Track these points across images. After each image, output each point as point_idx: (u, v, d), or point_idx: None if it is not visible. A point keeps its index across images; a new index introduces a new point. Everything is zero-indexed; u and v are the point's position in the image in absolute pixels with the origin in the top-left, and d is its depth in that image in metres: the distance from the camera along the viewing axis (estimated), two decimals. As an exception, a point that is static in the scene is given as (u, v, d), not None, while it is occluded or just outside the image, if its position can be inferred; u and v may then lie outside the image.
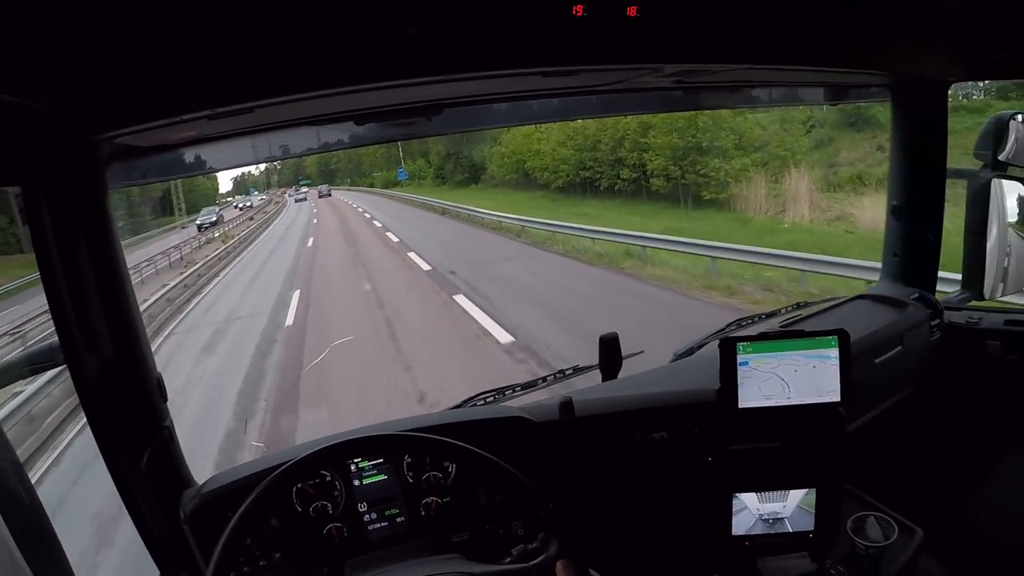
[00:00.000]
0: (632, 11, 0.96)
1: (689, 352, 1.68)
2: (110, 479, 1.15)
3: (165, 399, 1.20)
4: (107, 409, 1.10)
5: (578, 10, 0.92)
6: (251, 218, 30.18)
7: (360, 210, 27.08)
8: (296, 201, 40.40)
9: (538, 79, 1.14)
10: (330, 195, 41.02)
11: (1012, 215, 1.81)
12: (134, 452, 1.13)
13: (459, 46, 0.93)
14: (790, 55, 1.25)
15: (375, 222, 21.23)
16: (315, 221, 24.67)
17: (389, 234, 16.82)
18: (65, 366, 1.08)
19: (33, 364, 1.11)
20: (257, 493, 0.92)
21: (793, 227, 12.93)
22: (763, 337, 1.27)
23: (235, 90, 0.90)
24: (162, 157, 1.20)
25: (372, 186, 42.36)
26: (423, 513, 1.25)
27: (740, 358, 1.25)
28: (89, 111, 0.91)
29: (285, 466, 0.94)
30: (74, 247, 1.03)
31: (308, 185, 45.51)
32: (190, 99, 0.90)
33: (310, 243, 17.84)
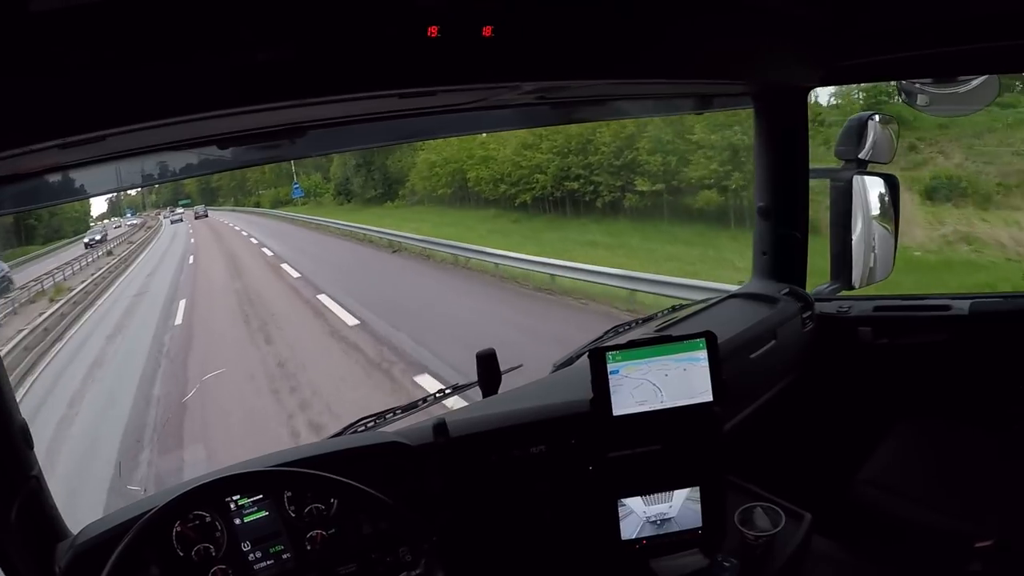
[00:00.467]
0: (487, 31, 0.97)
1: (568, 362, 1.70)
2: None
3: (31, 447, 1.14)
4: None
5: (432, 31, 0.93)
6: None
7: (246, 235, 23.13)
8: (172, 223, 38.29)
9: (395, 100, 1.14)
10: (207, 216, 39.13)
11: (875, 208, 1.92)
12: (2, 505, 1.06)
13: (313, 70, 0.91)
14: (649, 68, 1.28)
15: (265, 249, 17.92)
16: (191, 259, 18.04)
17: (285, 266, 14.03)
18: None
19: None
20: (128, 540, 0.89)
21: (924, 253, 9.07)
22: (631, 345, 1.31)
23: (83, 118, 0.85)
24: (16, 187, 1.13)
25: (259, 205, 38.97)
26: (308, 547, 1.23)
27: (610, 367, 1.29)
28: None
29: (154, 509, 0.91)
30: None
31: (187, 206, 42.87)
32: (36, 128, 0.85)
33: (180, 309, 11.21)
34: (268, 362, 7.10)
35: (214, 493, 1.06)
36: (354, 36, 0.91)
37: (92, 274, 16.72)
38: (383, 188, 24.12)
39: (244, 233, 23.96)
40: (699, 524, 1.35)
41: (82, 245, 24.19)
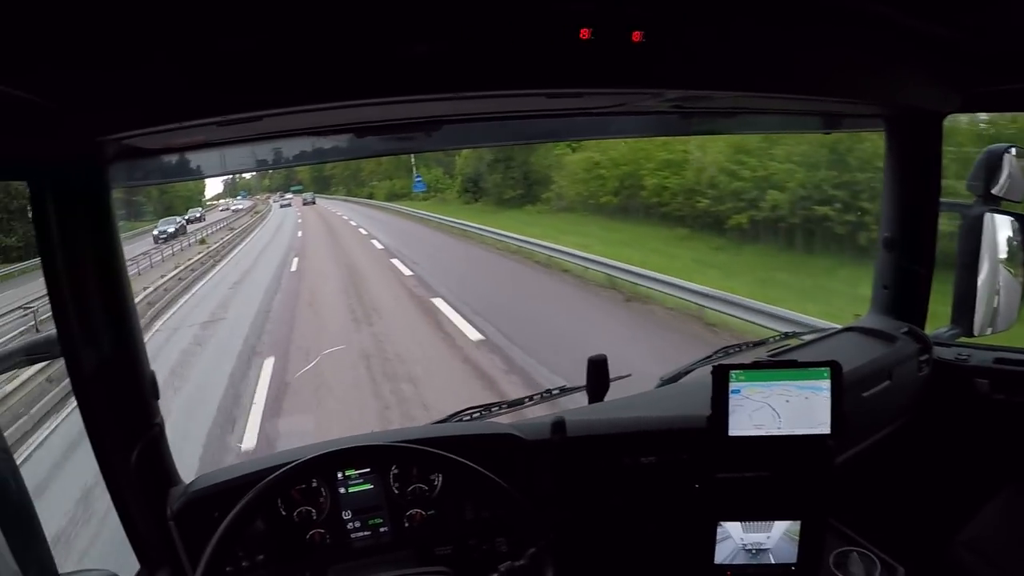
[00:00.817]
0: (637, 36, 0.97)
1: (676, 378, 1.66)
2: (95, 470, 1.15)
3: (157, 397, 1.20)
4: (100, 404, 1.10)
5: (584, 34, 0.93)
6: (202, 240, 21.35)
7: (363, 232, 20.49)
8: (281, 207, 39.84)
9: (542, 100, 1.15)
10: (314, 203, 40.15)
11: (1003, 251, 1.79)
12: (124, 448, 1.13)
13: (468, 65, 0.93)
14: (788, 83, 1.26)
15: (375, 242, 16.76)
16: (294, 264, 14.83)
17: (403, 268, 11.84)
18: (62, 358, 1.08)
19: (31, 354, 1.11)
20: (251, 496, 0.92)
21: None
22: (756, 366, 1.27)
23: (245, 98, 0.91)
24: (165, 159, 1.20)
25: (371, 197, 36.96)
26: (407, 524, 1.25)
27: (732, 386, 1.25)
28: (99, 112, 0.92)
29: (280, 472, 0.94)
30: (77, 243, 1.04)
31: (298, 191, 43.80)
32: (201, 105, 0.91)
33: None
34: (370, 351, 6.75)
35: (335, 462, 1.08)
36: (509, 34, 0.92)
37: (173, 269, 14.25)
38: (523, 189, 20.07)
39: (352, 223, 23.29)
40: (794, 560, 1.30)
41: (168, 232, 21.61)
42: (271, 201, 43.93)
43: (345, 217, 27.09)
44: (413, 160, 28.66)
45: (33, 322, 8.82)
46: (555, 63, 0.96)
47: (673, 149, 12.72)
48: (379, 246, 16.18)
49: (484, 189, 22.65)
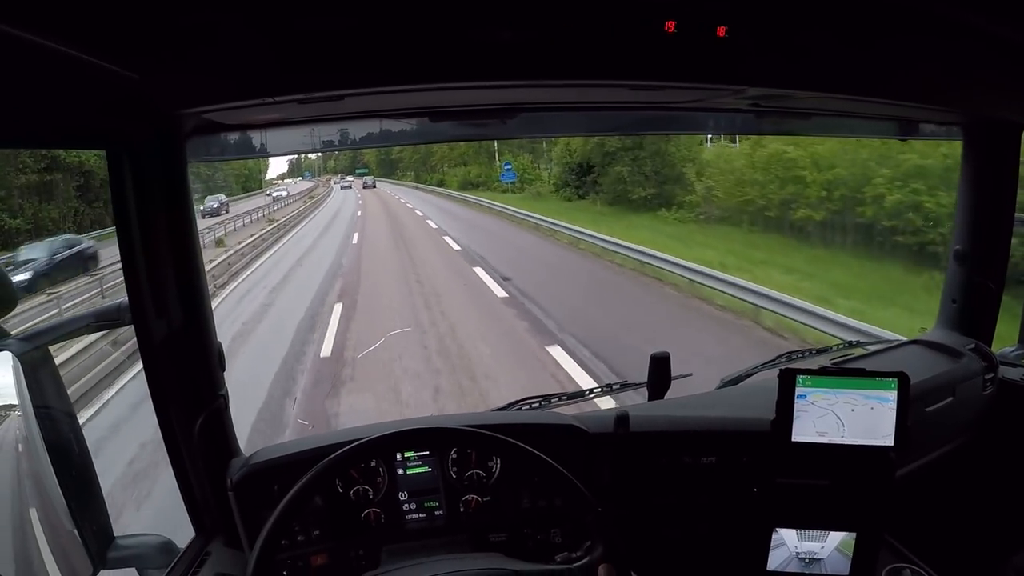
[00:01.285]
0: (721, 31, 0.95)
1: (736, 380, 1.62)
2: (154, 437, 1.17)
3: (223, 368, 1.21)
4: (168, 373, 1.11)
5: (670, 26, 0.91)
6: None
7: (432, 225, 17.38)
8: (341, 188, 40.28)
9: (624, 91, 1.12)
10: (375, 186, 40.30)
11: None
12: (188, 417, 1.14)
13: (552, 53, 0.91)
14: (867, 86, 1.21)
15: (449, 240, 13.69)
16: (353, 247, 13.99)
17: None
18: (131, 326, 1.09)
19: (100, 320, 1.12)
20: (315, 472, 0.92)
21: None
22: (824, 372, 1.22)
23: (330, 77, 0.90)
24: (241, 136, 1.21)
25: (442, 185, 32.73)
26: (462, 510, 1.25)
27: (799, 391, 1.20)
28: (181, 85, 0.92)
29: (346, 449, 0.93)
30: (152, 213, 1.05)
31: (364, 174, 43.56)
32: (285, 81, 0.90)
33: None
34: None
35: (399, 443, 1.07)
36: (596, 23, 0.90)
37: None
38: (654, 187, 14.83)
39: (419, 212, 21.30)
40: (846, 573, 1.25)
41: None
42: (332, 183, 44.06)
43: (409, 205, 25.19)
44: (496, 146, 25.83)
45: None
46: (639, 55, 0.94)
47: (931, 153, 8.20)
48: (454, 247, 13.22)
49: (590, 184, 17.80)
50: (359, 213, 24.55)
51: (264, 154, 1.25)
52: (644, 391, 1.49)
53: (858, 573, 1.25)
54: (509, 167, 23.88)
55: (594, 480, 1.25)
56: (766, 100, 1.28)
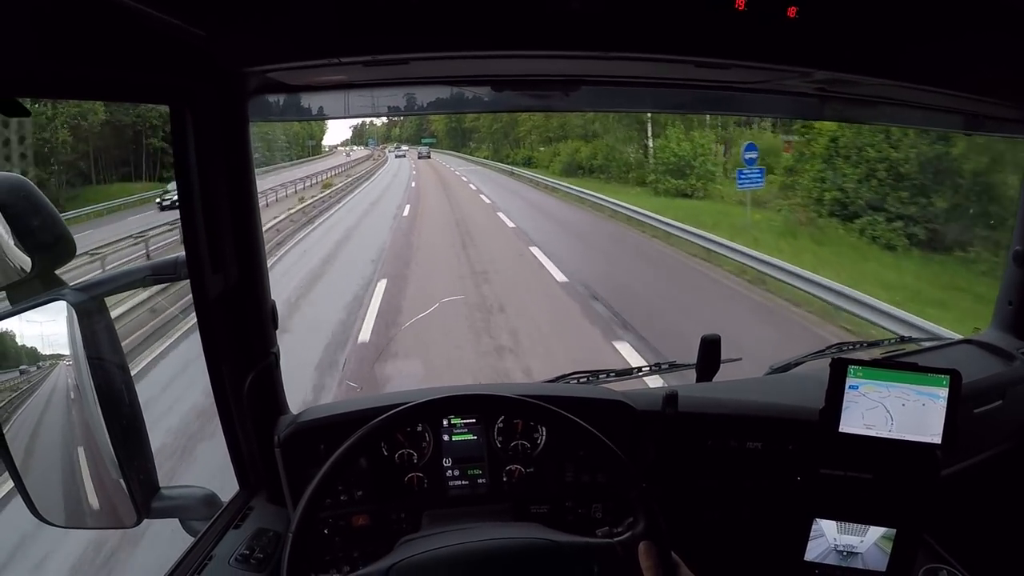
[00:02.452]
0: (792, 12, 0.90)
1: (785, 368, 1.59)
2: (201, 390, 1.17)
3: (276, 326, 1.20)
4: (222, 328, 1.10)
5: (740, 3, 0.87)
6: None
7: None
8: (396, 157, 39.85)
9: (689, 68, 1.08)
10: (429, 157, 39.39)
11: None
12: (240, 373, 1.13)
13: (620, 24, 0.88)
14: (937, 76, 1.15)
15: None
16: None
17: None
18: (186, 281, 1.09)
19: (157, 274, 1.11)
20: (364, 432, 0.90)
21: None
22: (876, 364, 1.18)
23: (396, 39, 0.88)
24: (303, 97, 1.18)
25: (530, 163, 24.16)
26: (504, 479, 1.23)
27: (850, 381, 1.16)
28: (247, 43, 0.90)
29: (396, 411, 0.91)
30: (212, 170, 1.03)
31: (430, 144, 41.84)
32: (351, 42, 0.88)
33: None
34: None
35: (448, 408, 1.06)
36: None
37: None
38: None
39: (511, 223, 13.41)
40: (883, 569, 1.21)
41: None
42: (387, 152, 43.31)
43: (499, 215, 15.21)
44: (649, 117, 17.86)
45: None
46: (708, 31, 0.90)
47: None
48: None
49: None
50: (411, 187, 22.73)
51: (324, 117, 1.23)
52: (691, 373, 1.46)
53: (895, 570, 1.21)
54: (754, 154, 11.31)
55: (639, 458, 1.23)
56: (832, 85, 1.23)
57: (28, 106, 0.76)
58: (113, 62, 0.80)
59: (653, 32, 0.90)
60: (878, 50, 1.05)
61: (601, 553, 0.91)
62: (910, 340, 1.76)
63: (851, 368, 1.16)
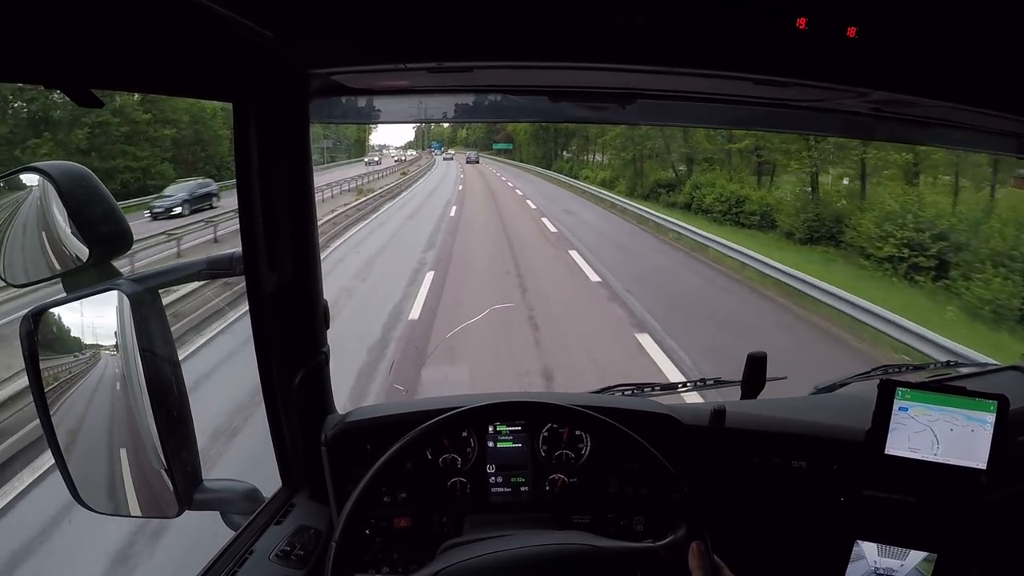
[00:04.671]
0: (852, 32, 0.89)
1: (831, 388, 1.54)
2: (247, 387, 1.16)
3: (328, 326, 1.17)
4: (274, 326, 1.06)
5: (801, 23, 0.86)
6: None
7: None
8: (444, 159, 38.31)
9: (747, 85, 1.05)
10: (478, 162, 36.74)
11: None
12: (289, 371, 1.09)
13: (681, 40, 0.86)
14: (996, 99, 1.12)
15: None
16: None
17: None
18: (241, 277, 1.08)
19: (212, 269, 1.10)
20: (413, 435, 0.88)
21: None
22: (926, 387, 1.13)
23: (462, 47, 0.86)
24: (365, 100, 1.16)
25: (675, 204, 16.34)
26: (547, 488, 1.19)
27: (899, 403, 1.11)
28: (314, 45, 0.88)
29: (446, 416, 0.89)
30: (272, 168, 1.01)
31: (506, 150, 38.00)
32: (417, 48, 0.86)
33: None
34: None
35: (495, 414, 1.03)
36: (729, 14, 0.85)
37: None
38: None
39: None
40: None
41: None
42: (434, 155, 42.01)
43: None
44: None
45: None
46: (768, 49, 0.88)
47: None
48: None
49: None
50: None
51: (382, 120, 1.21)
52: (734, 390, 1.41)
53: None
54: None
55: (684, 471, 1.19)
56: (888, 105, 1.21)
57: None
58: (184, 57, 0.78)
59: (715, 48, 0.87)
60: (935, 71, 1.01)
61: (644, 558, 0.87)
62: (955, 364, 1.72)
63: (899, 390, 1.12)
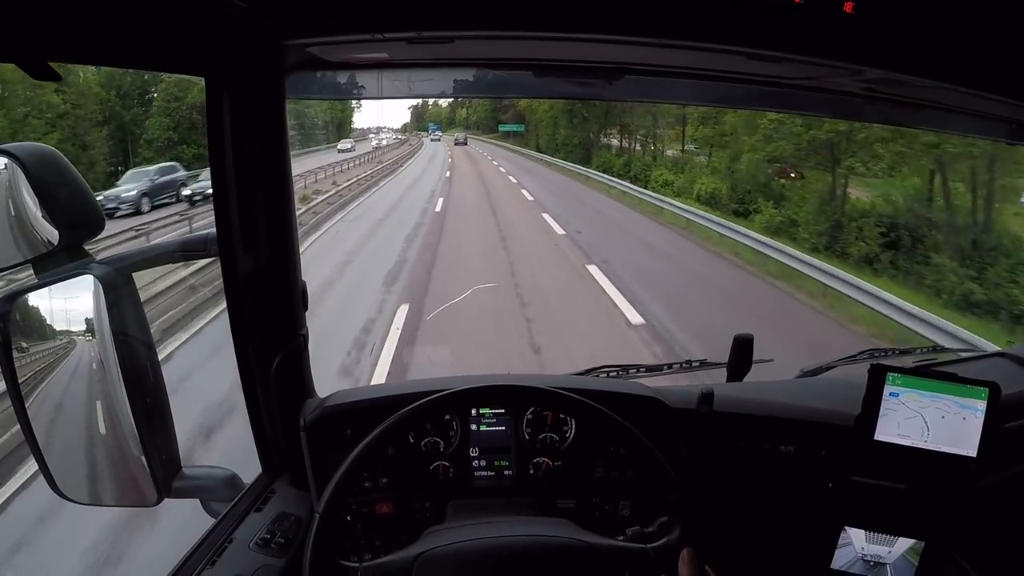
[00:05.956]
0: (849, 7, 0.83)
1: (817, 371, 1.50)
2: (225, 372, 1.12)
3: (306, 308, 1.12)
4: (250, 308, 1.02)
5: None
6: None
7: None
8: (432, 141, 37.22)
9: (739, 60, 1.00)
10: (466, 143, 35.63)
11: None
12: (267, 354, 1.05)
13: (673, 10, 0.80)
14: (992, 82, 1.08)
15: None
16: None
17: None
18: (216, 259, 1.04)
19: (186, 251, 1.06)
20: (395, 420, 0.84)
21: None
22: (916, 372, 1.09)
23: (441, 15, 0.80)
24: (345, 76, 1.10)
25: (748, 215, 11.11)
26: (531, 472, 1.16)
27: (890, 389, 1.08)
28: (287, 15, 0.82)
29: (429, 399, 0.85)
30: (247, 147, 0.96)
31: (516, 132, 33.01)
32: (394, 17, 0.80)
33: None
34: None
35: (478, 398, 1.00)
36: None
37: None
38: None
39: None
40: None
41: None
42: (422, 139, 40.42)
43: None
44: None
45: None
46: (763, 22, 0.83)
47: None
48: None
49: None
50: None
51: (361, 96, 1.16)
52: (720, 372, 1.38)
53: None
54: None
55: (671, 456, 1.17)
56: (881, 85, 1.16)
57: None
58: (153, 31, 0.73)
59: (706, 20, 0.82)
60: (932, 51, 0.97)
61: (633, 558, 0.84)
62: (942, 349, 1.69)
63: (890, 375, 1.09)
